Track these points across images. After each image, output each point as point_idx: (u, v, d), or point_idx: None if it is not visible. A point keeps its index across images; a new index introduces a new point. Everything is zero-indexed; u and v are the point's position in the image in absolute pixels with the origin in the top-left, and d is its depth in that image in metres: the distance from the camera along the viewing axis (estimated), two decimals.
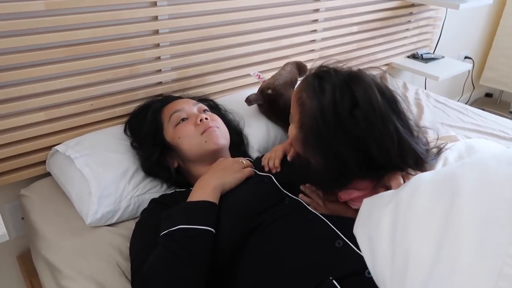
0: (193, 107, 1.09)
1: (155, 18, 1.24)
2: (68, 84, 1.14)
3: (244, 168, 0.95)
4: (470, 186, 0.58)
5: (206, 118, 1.03)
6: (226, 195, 0.89)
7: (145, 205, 1.02)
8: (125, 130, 1.18)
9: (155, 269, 0.75)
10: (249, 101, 1.31)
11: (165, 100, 1.15)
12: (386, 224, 0.65)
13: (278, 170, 0.95)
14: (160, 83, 1.34)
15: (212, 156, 1.01)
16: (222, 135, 1.04)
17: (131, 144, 1.13)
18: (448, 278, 0.51)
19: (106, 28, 1.14)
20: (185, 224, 0.78)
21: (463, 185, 0.58)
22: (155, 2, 1.21)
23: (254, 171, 0.96)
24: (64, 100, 1.16)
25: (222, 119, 1.11)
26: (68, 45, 1.10)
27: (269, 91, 1.31)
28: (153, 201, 0.98)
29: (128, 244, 0.91)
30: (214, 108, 1.23)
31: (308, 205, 0.85)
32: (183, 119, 1.04)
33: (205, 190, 0.86)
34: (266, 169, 0.97)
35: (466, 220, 0.54)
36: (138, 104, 1.28)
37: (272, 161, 0.97)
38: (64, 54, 1.10)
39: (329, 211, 0.88)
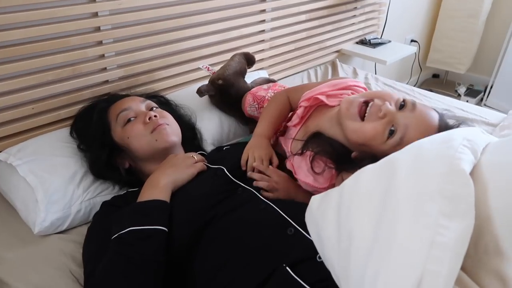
0: (141, 105, 1.05)
1: (95, 15, 1.19)
2: (5, 88, 1.08)
3: (196, 162, 0.94)
4: (405, 166, 0.61)
5: (155, 116, 1.00)
6: (179, 191, 0.88)
7: (98, 208, 0.99)
8: (71, 133, 1.13)
9: (108, 274, 0.73)
10: (200, 92, 1.30)
11: (111, 99, 1.11)
12: (332, 209, 0.67)
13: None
14: (106, 81, 1.30)
15: (164, 154, 0.99)
16: (172, 132, 1.01)
17: (78, 146, 1.09)
18: (386, 253, 0.53)
19: (41, 27, 1.08)
20: (136, 226, 0.77)
21: (399, 166, 0.61)
22: None
23: (206, 165, 0.96)
24: (2, 105, 1.10)
25: (172, 115, 1.08)
26: (1, 47, 1.04)
27: (220, 82, 1.30)
28: (104, 204, 0.95)
29: (82, 251, 0.89)
30: (165, 104, 1.20)
31: (260, 194, 0.86)
32: (130, 119, 1.00)
33: (155, 189, 0.85)
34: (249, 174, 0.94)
35: (402, 197, 0.57)
36: (84, 105, 1.24)
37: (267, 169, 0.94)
38: None
39: (282, 191, 0.90)
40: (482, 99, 3.01)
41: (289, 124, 1.08)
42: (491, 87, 2.90)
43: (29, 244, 0.96)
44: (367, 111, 0.86)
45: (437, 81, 3.37)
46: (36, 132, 1.18)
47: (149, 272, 0.75)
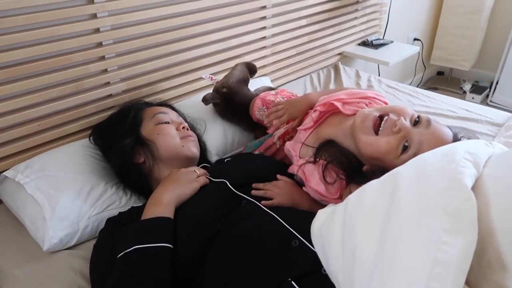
0: (176, 117, 1.15)
1: (97, 30, 1.21)
2: (10, 107, 1.10)
3: (198, 177, 0.95)
4: (408, 180, 0.61)
5: (187, 129, 1.11)
6: (182, 207, 0.89)
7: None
8: (92, 134, 1.16)
9: None
10: (205, 100, 1.31)
11: (148, 103, 1.19)
12: (337, 223, 0.67)
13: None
14: (110, 95, 1.31)
15: (182, 162, 1.05)
16: (197, 146, 1.11)
17: (102, 145, 1.12)
18: (389, 270, 0.53)
19: (43, 46, 1.10)
20: (141, 244, 0.77)
21: (402, 180, 0.61)
22: (95, 14, 1.18)
23: (209, 178, 0.96)
24: (8, 123, 1.11)
25: None
26: (4, 67, 1.06)
27: (224, 90, 1.32)
28: (109, 221, 0.96)
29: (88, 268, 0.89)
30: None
31: (264, 206, 0.87)
32: (166, 122, 1.08)
33: (158, 206, 0.85)
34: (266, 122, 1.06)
35: (404, 213, 0.57)
36: (89, 120, 1.27)
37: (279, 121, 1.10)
38: (1, 76, 1.05)
39: (285, 196, 0.91)
40: (488, 96, 2.98)
41: (299, 127, 1.08)
42: (497, 83, 2.88)
43: (38, 261, 0.97)
44: (382, 125, 0.86)
45: (442, 79, 3.35)
46: (42, 148, 1.19)
47: None
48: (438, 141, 0.82)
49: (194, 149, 1.08)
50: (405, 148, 0.82)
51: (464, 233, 0.51)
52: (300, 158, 1.01)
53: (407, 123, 0.84)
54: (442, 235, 0.51)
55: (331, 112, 1.05)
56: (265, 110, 1.27)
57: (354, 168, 0.89)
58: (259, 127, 1.36)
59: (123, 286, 0.74)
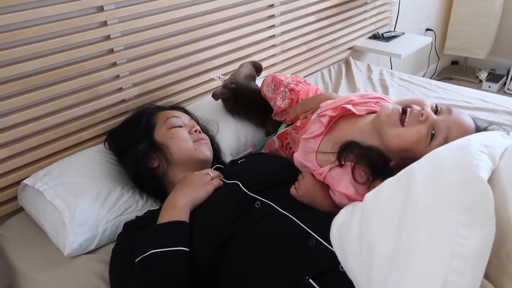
0: (189, 120, 1.17)
1: (108, 37, 1.22)
2: (27, 117, 1.13)
3: (212, 179, 0.95)
4: (423, 174, 0.60)
5: (200, 132, 1.12)
6: (197, 210, 0.89)
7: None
8: (107, 140, 1.17)
9: None
10: (215, 95, 1.32)
11: (159, 107, 1.22)
12: (355, 221, 0.67)
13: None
14: (123, 101, 1.33)
15: (196, 165, 1.06)
16: (209, 149, 1.12)
17: (116, 151, 1.13)
18: (407, 265, 0.53)
19: (56, 56, 1.12)
20: (157, 248, 0.78)
21: (417, 175, 0.61)
22: (105, 22, 1.20)
23: (222, 180, 0.97)
24: (25, 133, 1.14)
25: None
26: (19, 78, 1.08)
27: (233, 85, 1.32)
28: (126, 225, 0.97)
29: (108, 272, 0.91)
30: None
31: (278, 207, 0.86)
32: (179, 126, 1.10)
33: (174, 210, 0.86)
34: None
35: (420, 208, 0.57)
36: (103, 125, 1.29)
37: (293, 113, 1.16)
38: (17, 87, 1.08)
39: (306, 195, 0.92)
40: (505, 84, 2.91)
41: (305, 136, 1.03)
42: None
43: (60, 266, 0.99)
44: (407, 117, 0.88)
45: (457, 68, 3.29)
46: (59, 155, 1.22)
47: None
48: (465, 126, 0.84)
49: (207, 152, 1.09)
50: (432, 136, 0.83)
51: (481, 226, 0.51)
52: (320, 167, 0.96)
53: (431, 111, 0.86)
54: (459, 229, 0.51)
55: (339, 116, 1.03)
56: (273, 86, 1.28)
57: (382, 165, 0.89)
58: (270, 121, 1.35)
59: None
